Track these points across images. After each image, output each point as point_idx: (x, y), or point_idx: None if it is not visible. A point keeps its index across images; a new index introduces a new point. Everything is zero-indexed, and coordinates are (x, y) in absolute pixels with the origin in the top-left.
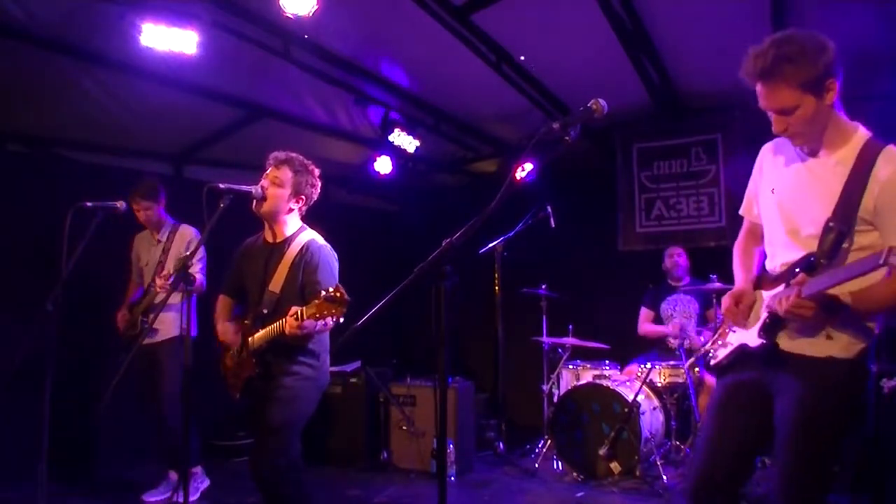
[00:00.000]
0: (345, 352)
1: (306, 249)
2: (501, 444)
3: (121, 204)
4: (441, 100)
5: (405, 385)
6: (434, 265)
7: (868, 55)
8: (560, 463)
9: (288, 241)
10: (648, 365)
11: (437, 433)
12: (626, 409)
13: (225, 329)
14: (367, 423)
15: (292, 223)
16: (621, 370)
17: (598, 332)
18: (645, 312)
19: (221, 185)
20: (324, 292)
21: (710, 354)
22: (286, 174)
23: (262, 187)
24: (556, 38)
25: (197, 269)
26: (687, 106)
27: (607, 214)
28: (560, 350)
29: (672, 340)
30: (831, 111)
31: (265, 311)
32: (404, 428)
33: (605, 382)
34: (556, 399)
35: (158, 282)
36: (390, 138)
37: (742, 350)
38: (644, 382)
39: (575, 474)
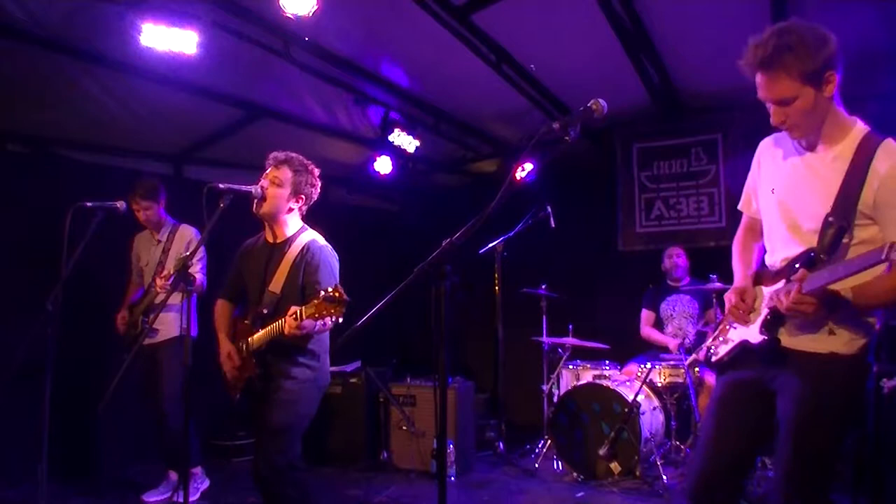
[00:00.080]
0: (345, 352)
1: (307, 250)
2: (501, 444)
3: (121, 204)
4: (441, 100)
5: (405, 385)
6: (434, 265)
7: (868, 55)
8: (560, 463)
9: (289, 242)
10: (648, 365)
11: (437, 433)
12: (626, 409)
13: (225, 346)
14: (367, 423)
15: (292, 223)
16: (621, 370)
17: (598, 332)
18: (646, 314)
19: (221, 185)
20: (323, 292)
21: (711, 351)
22: (286, 174)
23: (262, 187)
24: (556, 38)
25: (197, 269)
26: (687, 106)
27: (607, 214)
28: (560, 350)
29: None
30: (830, 104)
31: (265, 312)
32: (404, 428)
33: (605, 382)
34: (556, 399)
35: (158, 282)
36: (390, 138)
37: (743, 347)
38: (644, 382)
39: (575, 474)
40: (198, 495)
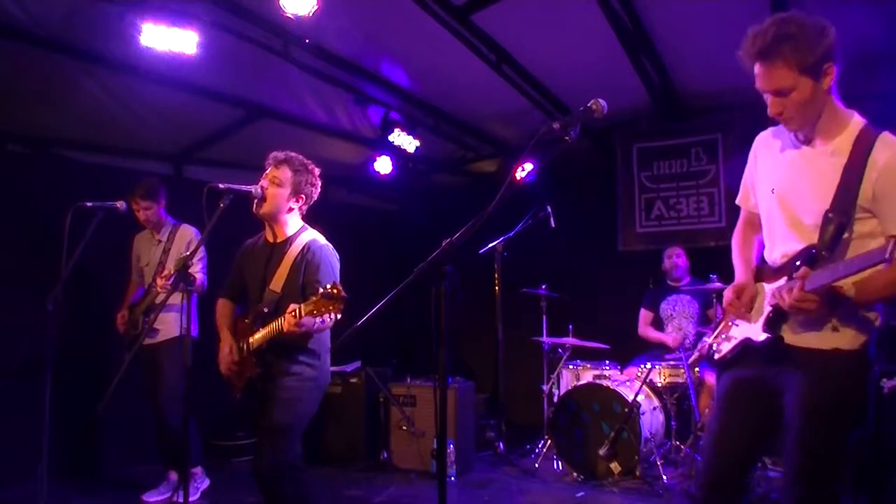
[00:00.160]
0: (345, 352)
1: (308, 249)
2: (501, 444)
3: (121, 204)
4: (441, 100)
5: (405, 385)
6: (434, 265)
7: (868, 54)
8: (560, 463)
9: (289, 241)
10: (648, 365)
11: (437, 433)
12: (626, 409)
13: (227, 341)
14: (367, 423)
15: (293, 223)
16: (621, 370)
17: (598, 332)
18: (644, 314)
19: (221, 185)
20: (321, 289)
21: (714, 348)
22: (285, 174)
23: (262, 187)
24: (556, 39)
25: (197, 269)
26: (687, 106)
27: (607, 214)
28: (560, 350)
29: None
30: (828, 97)
31: (266, 311)
32: (404, 428)
33: (605, 382)
34: (556, 399)
35: (159, 282)
36: (390, 138)
37: (746, 344)
38: (644, 382)
39: (575, 474)
40: (198, 495)
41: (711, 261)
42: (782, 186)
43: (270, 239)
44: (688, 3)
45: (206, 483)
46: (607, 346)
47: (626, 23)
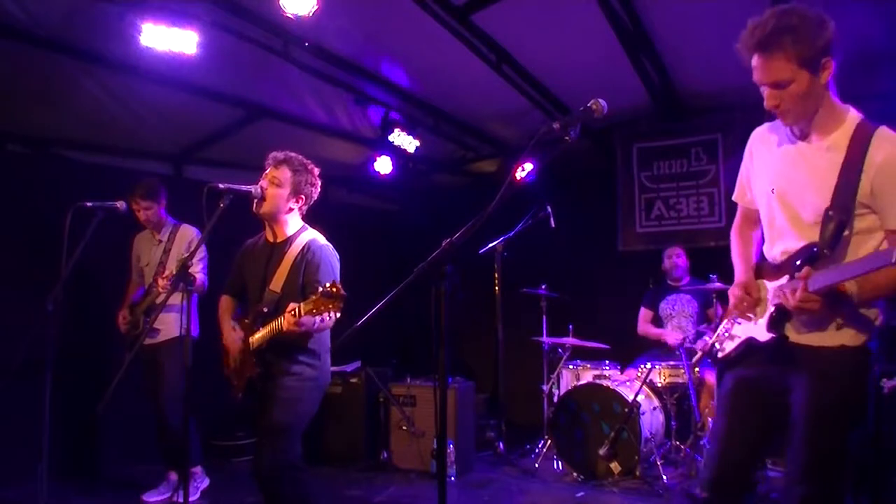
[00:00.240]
0: (345, 352)
1: (308, 249)
2: (501, 444)
3: (121, 204)
4: (441, 100)
5: (405, 385)
6: (434, 265)
7: (868, 54)
8: (560, 463)
9: (289, 241)
10: (648, 365)
11: (437, 433)
12: (626, 409)
13: (229, 331)
14: (367, 423)
15: (293, 223)
16: (622, 371)
17: (598, 332)
18: (644, 312)
19: (221, 185)
20: (321, 288)
21: (717, 347)
22: (285, 174)
23: (262, 187)
24: (556, 38)
25: (198, 269)
26: (687, 106)
27: (607, 214)
28: (560, 350)
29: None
30: (825, 91)
31: (266, 310)
32: (404, 428)
33: (605, 382)
34: (556, 399)
35: (160, 282)
36: (390, 138)
37: (750, 343)
38: (644, 382)
39: (575, 474)
40: (198, 495)
41: (711, 261)
42: (780, 183)
43: (270, 239)
44: (688, 3)
45: (206, 483)
46: (607, 347)
47: (626, 23)
